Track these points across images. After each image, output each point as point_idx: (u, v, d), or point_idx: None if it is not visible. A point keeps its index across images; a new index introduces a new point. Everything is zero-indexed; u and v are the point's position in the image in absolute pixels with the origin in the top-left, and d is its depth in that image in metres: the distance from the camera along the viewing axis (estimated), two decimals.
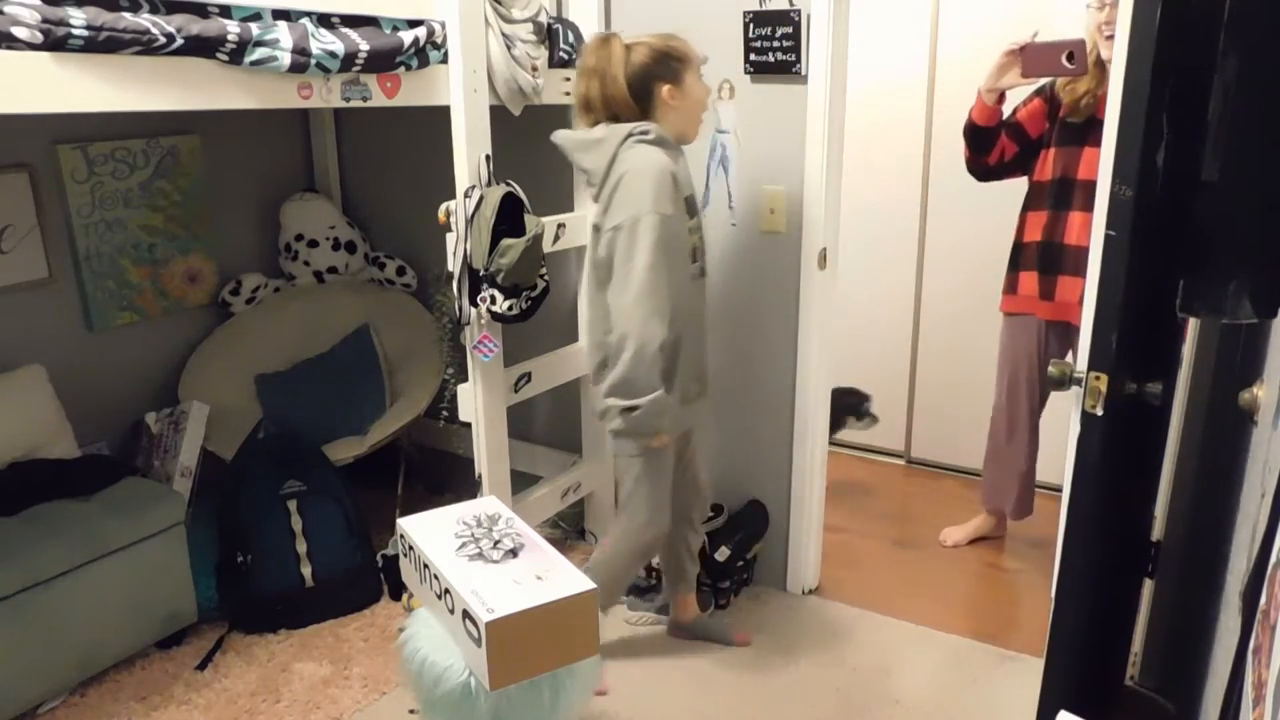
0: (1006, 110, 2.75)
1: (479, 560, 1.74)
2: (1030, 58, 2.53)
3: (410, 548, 1.84)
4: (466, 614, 1.62)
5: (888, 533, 3.35)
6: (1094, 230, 2.14)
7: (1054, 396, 2.97)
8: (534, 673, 1.68)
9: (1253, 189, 1.43)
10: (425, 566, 1.78)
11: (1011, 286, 2.89)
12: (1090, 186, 2.63)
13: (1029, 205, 2.82)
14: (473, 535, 1.82)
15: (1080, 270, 2.66)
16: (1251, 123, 1.42)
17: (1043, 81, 2.72)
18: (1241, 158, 1.43)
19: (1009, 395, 2.98)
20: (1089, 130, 2.64)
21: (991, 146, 2.76)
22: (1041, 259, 2.77)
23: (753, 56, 2.60)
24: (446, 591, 1.70)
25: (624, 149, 2.08)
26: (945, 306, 3.67)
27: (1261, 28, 1.39)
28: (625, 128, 2.09)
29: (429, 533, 1.83)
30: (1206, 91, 1.43)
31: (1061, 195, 2.71)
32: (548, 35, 2.58)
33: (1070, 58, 2.44)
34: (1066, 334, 2.82)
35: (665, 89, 2.11)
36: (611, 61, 2.09)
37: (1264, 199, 1.42)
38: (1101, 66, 2.57)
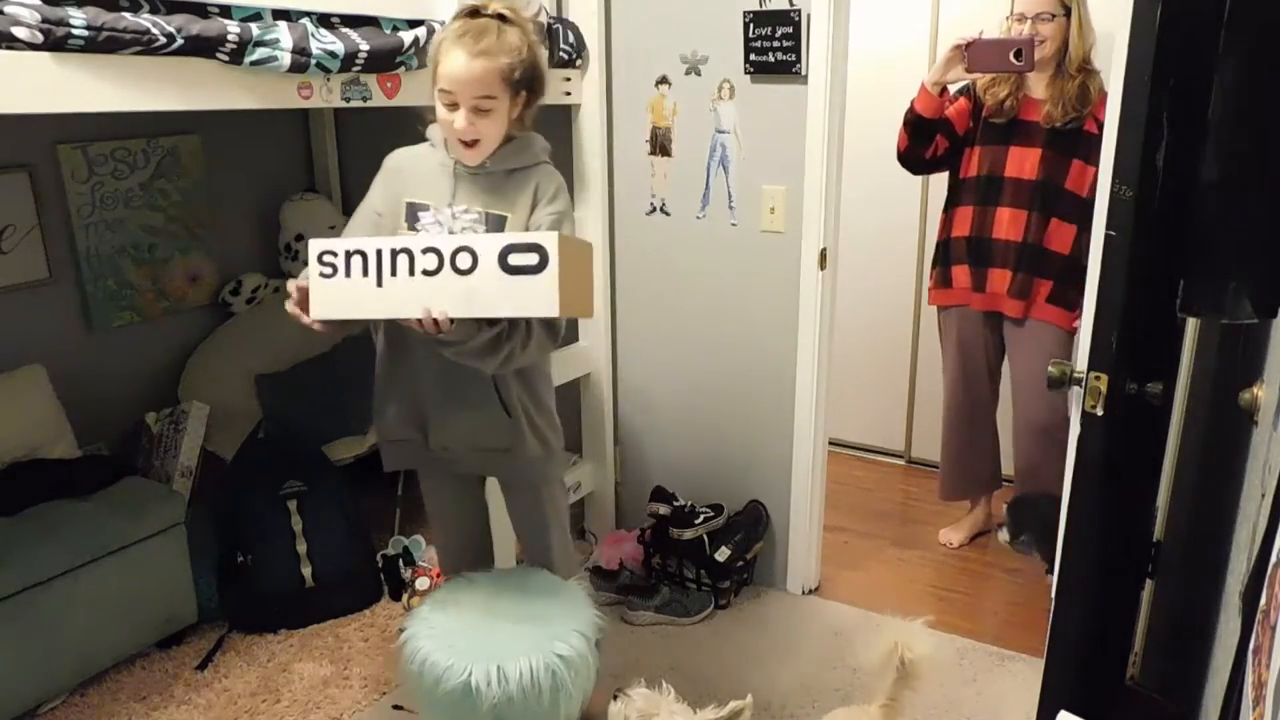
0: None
1: (469, 231, 1.74)
2: (976, 54, 2.58)
3: (356, 252, 1.67)
4: (509, 252, 1.60)
5: (888, 533, 3.35)
6: (1094, 230, 2.14)
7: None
8: (572, 310, 1.67)
9: (1253, 189, 1.43)
10: (401, 252, 1.66)
11: (945, 280, 2.96)
12: (1017, 184, 2.74)
13: (954, 201, 2.90)
14: (437, 221, 1.79)
15: (1007, 263, 2.79)
16: (1251, 123, 1.42)
17: (965, 82, 2.78)
18: (1241, 158, 1.43)
19: (966, 386, 3.02)
20: (1013, 130, 2.73)
21: (931, 139, 2.80)
22: (972, 253, 2.85)
23: (753, 56, 2.60)
24: (461, 250, 1.63)
25: None
26: None
27: (1261, 28, 1.38)
28: None
29: (373, 243, 1.70)
30: (1206, 91, 1.43)
31: (989, 191, 2.78)
32: (548, 35, 2.58)
33: (1018, 55, 2.50)
34: (998, 323, 2.91)
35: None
36: None
37: (1264, 199, 1.42)
38: (1022, 74, 2.67)
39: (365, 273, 1.68)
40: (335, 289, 1.70)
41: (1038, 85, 2.70)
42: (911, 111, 2.78)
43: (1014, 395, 2.94)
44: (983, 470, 3.16)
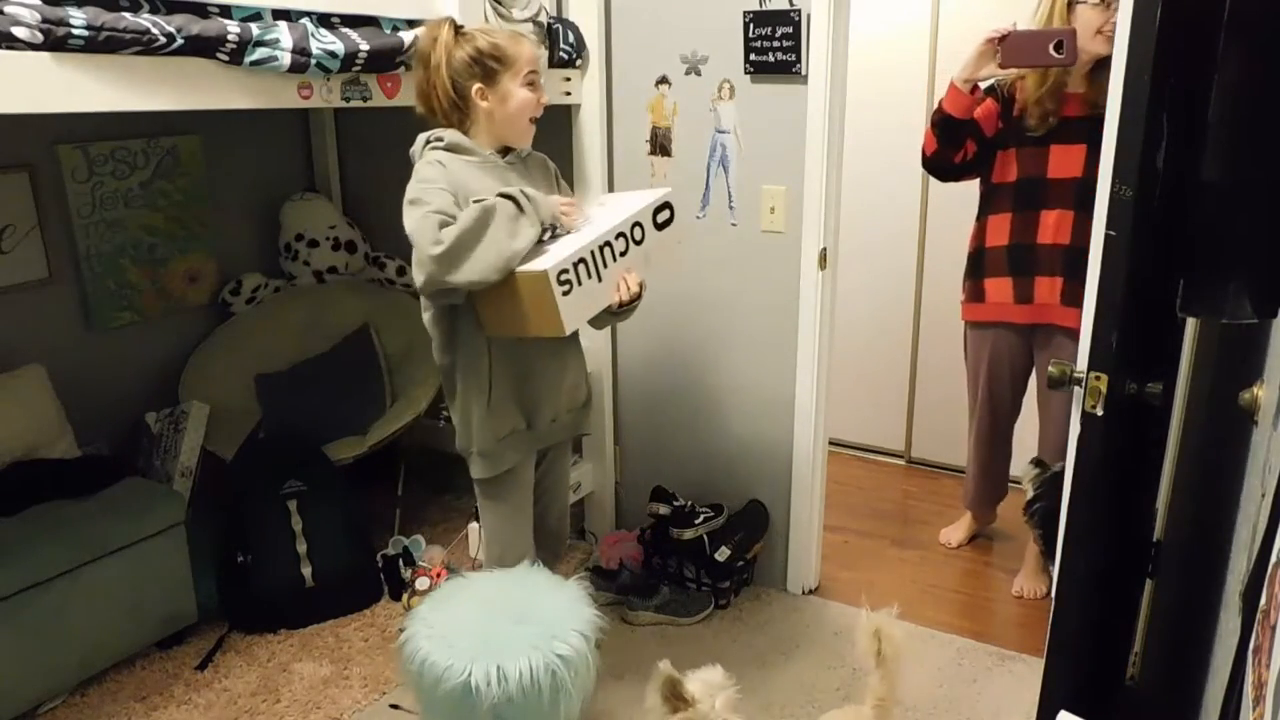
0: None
1: (583, 225, 1.95)
2: (1011, 48, 2.35)
3: (579, 261, 1.84)
4: (657, 213, 1.98)
5: (888, 533, 3.35)
6: (1094, 230, 2.14)
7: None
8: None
9: (1253, 189, 1.43)
10: (605, 246, 1.88)
11: (977, 294, 2.76)
12: (1064, 183, 2.53)
13: (988, 209, 2.70)
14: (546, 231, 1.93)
15: (1057, 269, 2.59)
16: (1252, 122, 1.42)
17: (992, 80, 2.57)
18: (1242, 158, 1.43)
19: (991, 404, 2.92)
20: (1054, 128, 2.53)
21: (962, 141, 2.59)
22: (1013, 262, 2.66)
23: (753, 56, 2.60)
24: (635, 225, 1.94)
25: (420, 160, 1.96)
26: (945, 306, 3.66)
27: (1261, 28, 1.39)
28: (424, 136, 1.98)
29: (583, 246, 1.86)
30: (1207, 91, 1.43)
31: (1031, 195, 2.59)
32: (548, 35, 2.58)
33: (1059, 47, 2.28)
34: (1048, 335, 2.70)
35: (475, 88, 1.93)
36: (435, 51, 1.93)
37: (1264, 199, 1.42)
38: (1065, 73, 2.49)
39: (589, 274, 1.86)
40: (575, 299, 1.84)
41: (1078, 77, 2.48)
42: (940, 112, 2.56)
43: (1040, 407, 2.82)
44: (1003, 480, 3.11)
